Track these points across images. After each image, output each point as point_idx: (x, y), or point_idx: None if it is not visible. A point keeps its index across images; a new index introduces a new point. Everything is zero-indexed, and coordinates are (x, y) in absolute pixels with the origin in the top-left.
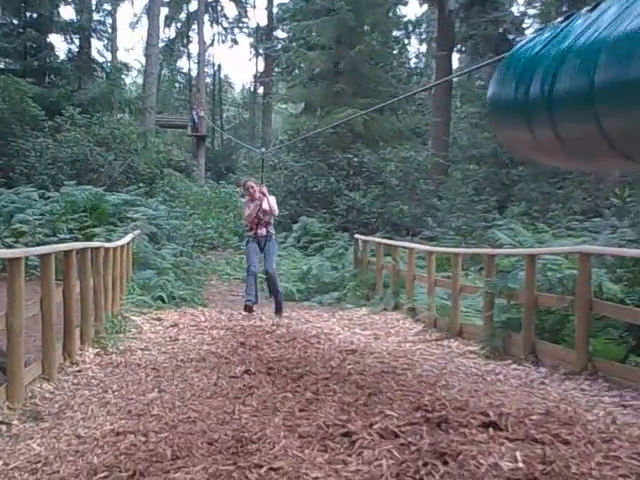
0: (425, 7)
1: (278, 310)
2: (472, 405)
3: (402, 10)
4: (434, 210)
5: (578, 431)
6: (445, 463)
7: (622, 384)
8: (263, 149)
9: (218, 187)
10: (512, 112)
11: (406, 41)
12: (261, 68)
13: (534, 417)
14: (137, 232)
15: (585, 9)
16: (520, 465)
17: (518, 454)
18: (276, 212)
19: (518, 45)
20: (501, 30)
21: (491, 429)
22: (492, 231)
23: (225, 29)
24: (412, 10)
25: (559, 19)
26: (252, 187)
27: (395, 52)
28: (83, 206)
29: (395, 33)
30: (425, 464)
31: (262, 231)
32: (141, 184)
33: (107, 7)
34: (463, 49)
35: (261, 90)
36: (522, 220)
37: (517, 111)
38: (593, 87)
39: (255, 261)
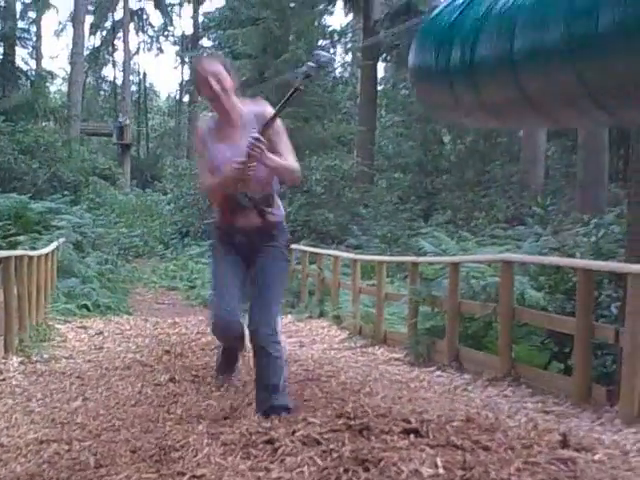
0: (350, 17)
1: None
2: (395, 412)
3: (328, 20)
4: (359, 218)
5: (499, 437)
6: (366, 470)
7: (544, 390)
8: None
9: (144, 195)
10: (434, 78)
11: (332, 50)
12: (187, 76)
13: (455, 423)
14: (62, 240)
15: None
16: (440, 471)
17: (439, 460)
18: (294, 168)
19: (434, 12)
20: None
21: (412, 436)
22: (417, 239)
23: (151, 37)
24: (337, 20)
25: None
26: (215, 82)
27: (316, 65)
28: (7, 214)
29: (321, 42)
30: (346, 470)
31: (248, 220)
32: (66, 192)
33: (32, 15)
34: (388, 58)
35: (187, 98)
36: (447, 228)
37: (439, 77)
38: (512, 52)
39: (232, 294)
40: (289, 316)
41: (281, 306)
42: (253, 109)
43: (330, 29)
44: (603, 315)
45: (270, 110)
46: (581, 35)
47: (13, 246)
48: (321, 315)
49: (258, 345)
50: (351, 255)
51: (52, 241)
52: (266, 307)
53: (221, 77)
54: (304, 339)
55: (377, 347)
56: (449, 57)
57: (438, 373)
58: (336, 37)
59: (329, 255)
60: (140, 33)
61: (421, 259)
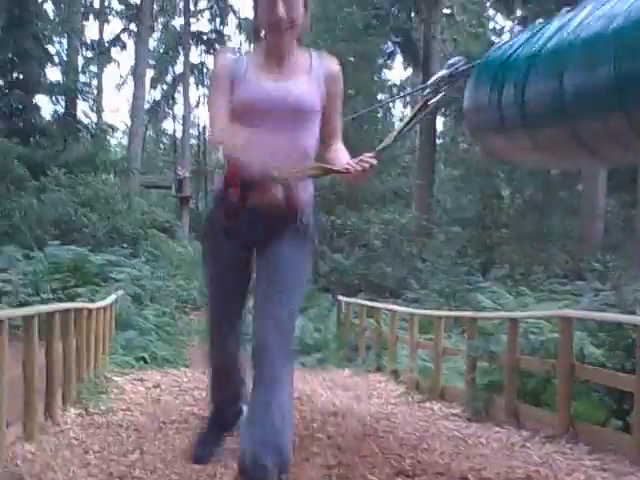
0: (410, 71)
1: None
2: (453, 469)
3: (387, 74)
4: (417, 272)
5: None
6: None
7: (603, 447)
8: None
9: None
10: (487, 116)
11: (391, 105)
12: None
13: None
14: (120, 293)
15: (565, 9)
16: None
17: None
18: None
19: (492, 48)
20: None
21: None
22: (475, 294)
23: None
24: (397, 74)
25: (540, 20)
26: (282, 5)
27: (380, 115)
28: (67, 266)
29: (380, 96)
30: None
31: (267, 196)
32: (125, 244)
33: (93, 69)
34: (447, 112)
35: None
36: (505, 282)
37: (491, 114)
38: (562, 90)
39: (232, 325)
40: (346, 370)
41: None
42: (325, 64)
43: (389, 83)
44: None
45: (338, 71)
46: (629, 75)
47: (72, 298)
48: (378, 369)
49: (265, 376)
50: (409, 309)
51: (111, 293)
52: (282, 320)
53: (294, 4)
54: (361, 393)
55: (434, 402)
56: (501, 96)
57: (496, 429)
58: (395, 91)
59: (387, 309)
60: (200, 86)
61: (479, 315)
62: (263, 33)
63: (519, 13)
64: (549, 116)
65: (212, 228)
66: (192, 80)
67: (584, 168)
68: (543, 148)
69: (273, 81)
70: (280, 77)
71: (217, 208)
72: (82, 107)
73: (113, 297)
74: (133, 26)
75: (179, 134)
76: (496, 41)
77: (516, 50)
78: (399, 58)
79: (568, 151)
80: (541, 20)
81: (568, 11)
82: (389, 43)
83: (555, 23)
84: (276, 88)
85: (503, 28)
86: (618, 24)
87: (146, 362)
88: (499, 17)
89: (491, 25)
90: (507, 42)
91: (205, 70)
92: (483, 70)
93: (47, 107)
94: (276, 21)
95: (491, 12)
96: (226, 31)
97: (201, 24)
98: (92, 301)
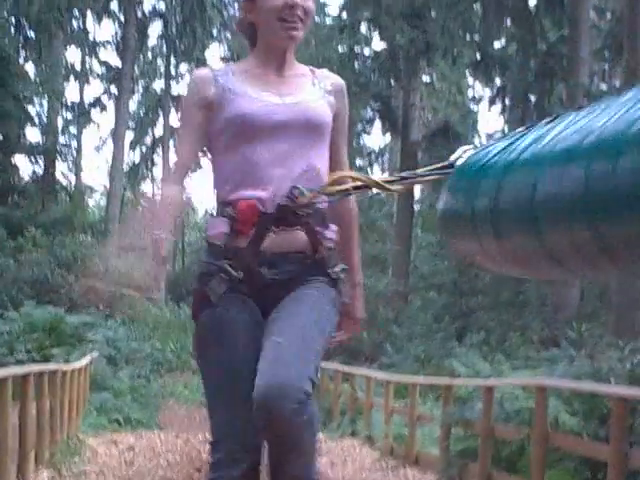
0: (388, 137)
1: None
2: None
3: (366, 140)
4: (393, 337)
5: None
6: None
7: None
8: None
9: (178, 310)
10: (460, 222)
11: (369, 170)
12: None
13: None
14: (95, 354)
15: (545, 120)
16: None
17: None
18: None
19: (470, 154)
20: None
21: None
22: (450, 360)
23: None
24: (376, 140)
25: (520, 129)
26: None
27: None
28: (42, 326)
29: (358, 162)
30: None
31: (287, 240)
32: (101, 306)
33: (73, 130)
34: None
35: None
36: (481, 349)
37: (465, 221)
38: (533, 202)
39: (247, 417)
40: (320, 435)
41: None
42: (331, 78)
43: (368, 149)
44: (638, 442)
45: (345, 86)
46: (599, 192)
47: (47, 358)
48: (353, 434)
49: (280, 428)
50: (384, 375)
51: (86, 355)
52: (301, 355)
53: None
54: (335, 459)
55: (409, 468)
56: (475, 203)
57: None
58: (374, 157)
59: (362, 375)
60: None
61: (455, 381)
62: (263, 31)
63: (498, 82)
64: (521, 227)
65: (212, 294)
66: (171, 143)
67: (554, 279)
68: (514, 258)
69: (276, 93)
70: (283, 88)
71: (218, 263)
72: (61, 168)
73: (88, 359)
74: (114, 88)
75: (157, 196)
76: (474, 109)
77: (492, 158)
78: (378, 124)
79: (538, 263)
80: (520, 129)
81: (547, 122)
82: (369, 109)
83: (533, 134)
84: (282, 101)
85: (482, 97)
86: (591, 140)
87: (120, 424)
88: (478, 85)
89: (470, 93)
90: (484, 148)
91: None
92: (459, 175)
93: (26, 167)
94: (291, 5)
95: (470, 80)
96: None
97: (181, 87)
98: (67, 362)
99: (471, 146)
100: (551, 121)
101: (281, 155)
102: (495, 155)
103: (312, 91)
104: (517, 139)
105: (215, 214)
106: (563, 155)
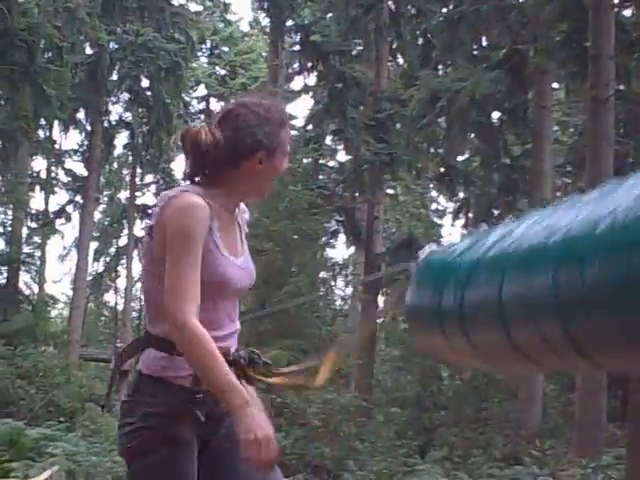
0: (352, 249)
1: None
2: None
3: (330, 252)
4: (356, 452)
5: None
6: None
7: None
8: None
9: None
10: (427, 318)
11: (332, 283)
12: None
13: None
14: (55, 468)
15: (509, 218)
16: None
17: None
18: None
19: (436, 251)
20: None
21: None
22: (412, 477)
23: None
24: (340, 253)
25: (484, 226)
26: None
27: (321, 293)
28: (2, 440)
29: (322, 274)
30: None
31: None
32: (62, 418)
33: (37, 240)
34: (389, 292)
35: None
36: (443, 465)
37: (432, 318)
38: (500, 301)
39: None
40: None
41: None
42: (244, 211)
43: (332, 261)
44: None
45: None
46: (568, 287)
47: (6, 473)
48: None
49: None
50: None
51: (45, 469)
52: None
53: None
54: None
55: None
56: (441, 298)
57: None
58: (337, 269)
59: None
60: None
61: None
62: (253, 182)
63: (461, 195)
64: (488, 324)
65: (182, 437)
66: (135, 253)
67: (522, 373)
68: (481, 354)
69: (236, 252)
70: (237, 244)
71: (186, 407)
72: (24, 278)
73: (48, 473)
74: (79, 198)
75: (121, 307)
76: (437, 222)
77: (459, 255)
78: (342, 237)
79: (507, 358)
80: (485, 227)
81: (512, 220)
82: (333, 222)
83: (499, 231)
84: (241, 263)
85: (445, 210)
86: (557, 239)
87: None
88: (442, 199)
89: (433, 206)
90: (450, 245)
91: None
92: (425, 271)
93: None
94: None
95: (434, 194)
96: None
97: (147, 197)
98: (26, 477)
99: (436, 245)
100: (516, 219)
101: (232, 312)
102: (461, 253)
103: (244, 242)
104: (482, 237)
105: (169, 353)
106: (529, 254)
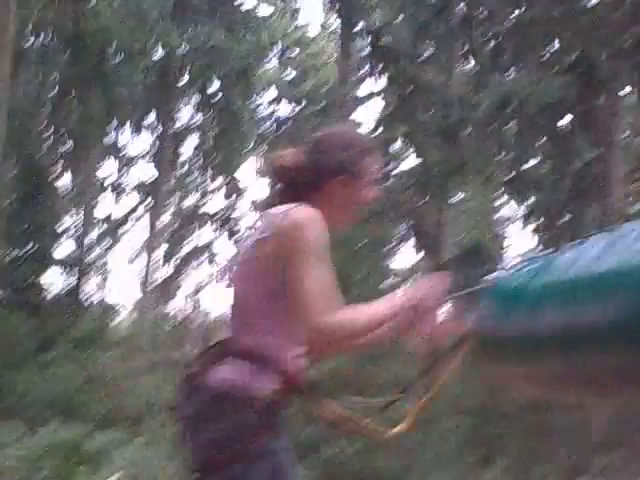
0: (416, 258)
1: None
2: None
3: (394, 260)
4: (418, 462)
5: None
6: None
7: None
8: None
9: None
10: (493, 346)
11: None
12: None
13: None
14: (120, 473)
15: (576, 242)
16: None
17: None
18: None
19: (501, 276)
20: None
21: None
22: None
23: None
24: (403, 262)
25: (551, 250)
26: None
27: None
28: (69, 444)
29: (388, 282)
30: None
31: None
32: (127, 424)
33: (106, 243)
34: None
35: None
36: (508, 475)
37: (498, 345)
38: (570, 325)
39: None
40: None
41: None
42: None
43: (397, 270)
44: None
45: None
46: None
47: (72, 477)
48: None
49: None
50: None
51: (112, 474)
52: None
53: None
54: None
55: None
56: (508, 327)
57: None
58: (403, 278)
59: None
60: (212, 264)
61: None
62: (339, 206)
63: (531, 201)
64: (556, 352)
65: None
66: (204, 257)
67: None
68: (547, 382)
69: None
70: None
71: (267, 421)
72: (92, 282)
73: (113, 479)
74: (149, 201)
75: (188, 312)
76: (506, 229)
77: (526, 281)
78: (409, 243)
79: (574, 388)
80: (552, 250)
81: (580, 243)
82: (401, 227)
83: (567, 255)
84: None
85: (515, 216)
86: (631, 264)
87: None
88: (510, 205)
89: (502, 212)
90: (518, 270)
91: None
92: (492, 297)
93: (57, 281)
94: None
95: (502, 199)
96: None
97: (216, 201)
98: None
99: (506, 269)
100: (583, 242)
101: None
102: (529, 278)
103: None
104: (551, 261)
105: (257, 366)
106: (603, 279)
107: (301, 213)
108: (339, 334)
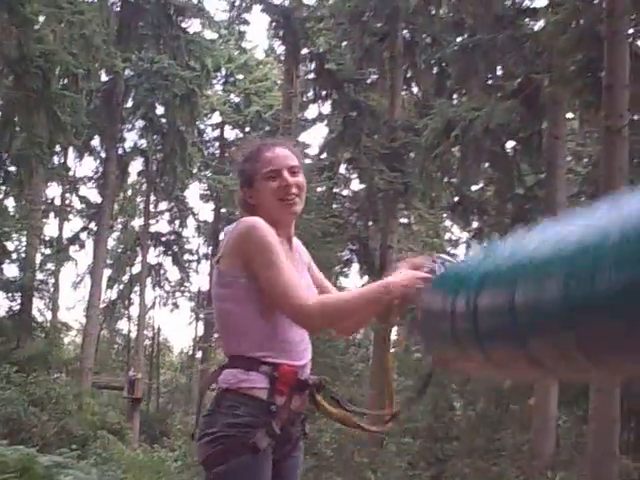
0: (365, 279)
1: None
2: None
3: (343, 282)
4: None
5: None
6: None
7: None
8: None
9: (151, 451)
10: (440, 327)
11: None
12: (200, 332)
13: None
14: None
15: (521, 229)
16: None
17: None
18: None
19: (448, 265)
20: None
21: None
22: None
23: (167, 292)
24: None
25: (494, 239)
26: (291, 178)
27: None
28: (14, 467)
29: None
30: None
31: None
32: (74, 446)
33: (51, 267)
34: (401, 322)
35: (199, 354)
36: None
37: (445, 327)
38: (514, 308)
39: None
40: None
41: None
42: (304, 250)
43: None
44: None
45: None
46: (579, 297)
47: None
48: None
49: None
50: None
51: None
52: None
53: (300, 174)
54: None
55: None
56: (454, 309)
57: None
58: None
59: None
60: (157, 287)
61: None
62: (267, 210)
63: (475, 225)
64: (501, 333)
65: (259, 446)
66: (149, 280)
67: (535, 381)
68: (494, 363)
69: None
70: (303, 271)
71: (263, 418)
72: (38, 304)
73: None
74: (93, 225)
75: (134, 334)
76: (451, 252)
77: (473, 266)
78: (355, 266)
79: (520, 367)
80: (496, 239)
81: (525, 232)
82: (346, 251)
83: (509, 244)
84: (301, 275)
85: (459, 239)
86: (569, 248)
87: None
88: (455, 228)
89: (447, 236)
90: (462, 261)
91: (162, 271)
92: (439, 282)
93: (2, 303)
94: (288, 197)
95: (448, 223)
96: (185, 233)
97: (160, 225)
98: None
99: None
100: (527, 231)
101: (300, 330)
102: (475, 264)
103: (302, 267)
104: (493, 250)
105: (245, 368)
106: (542, 263)
107: (245, 221)
108: (327, 315)
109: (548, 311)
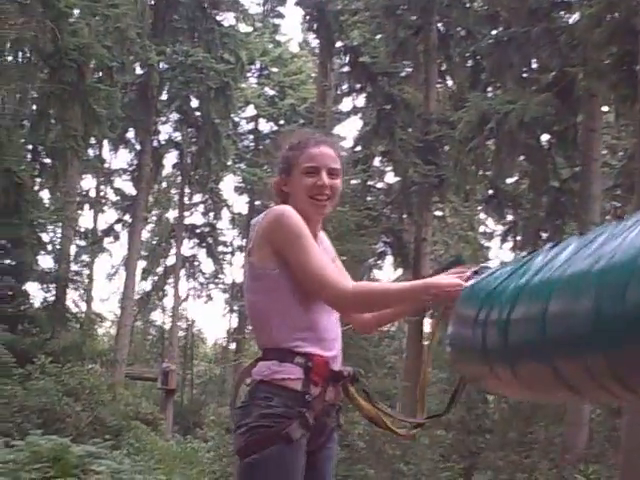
0: (399, 272)
1: None
2: None
3: (376, 274)
4: (400, 475)
5: None
6: None
7: None
8: None
9: (185, 442)
10: (469, 347)
11: None
12: (234, 324)
13: None
14: None
15: (547, 245)
16: None
17: None
18: None
19: (478, 278)
20: None
21: None
22: None
23: (201, 284)
24: (386, 274)
25: (523, 253)
26: (329, 179)
27: None
28: (47, 456)
29: None
30: None
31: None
32: (107, 436)
33: (85, 258)
34: (436, 314)
35: (233, 346)
36: None
37: (474, 347)
38: (545, 326)
39: None
40: None
41: None
42: (326, 240)
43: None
44: None
45: None
46: (610, 316)
47: None
48: None
49: None
50: None
51: None
52: None
53: (338, 178)
54: None
55: None
56: (485, 327)
57: None
58: None
59: None
60: (191, 280)
61: None
62: (297, 202)
63: (509, 218)
64: (531, 351)
65: (293, 437)
66: (183, 272)
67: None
68: (525, 384)
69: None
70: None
71: (298, 409)
72: (72, 296)
73: None
74: (127, 217)
75: (168, 326)
76: (485, 245)
77: (502, 282)
78: (389, 259)
79: (549, 387)
80: (524, 253)
81: (552, 247)
82: (380, 243)
83: (540, 258)
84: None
85: (493, 232)
86: (601, 265)
87: None
88: (490, 221)
89: (481, 229)
90: (492, 273)
91: (196, 263)
92: (467, 298)
93: (37, 294)
94: (319, 185)
95: (482, 216)
96: (219, 225)
97: (195, 217)
98: None
99: (486, 264)
100: (555, 245)
101: (333, 321)
102: (504, 280)
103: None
104: (524, 264)
105: (279, 360)
106: (575, 279)
107: (274, 209)
108: (359, 296)
109: (579, 329)
